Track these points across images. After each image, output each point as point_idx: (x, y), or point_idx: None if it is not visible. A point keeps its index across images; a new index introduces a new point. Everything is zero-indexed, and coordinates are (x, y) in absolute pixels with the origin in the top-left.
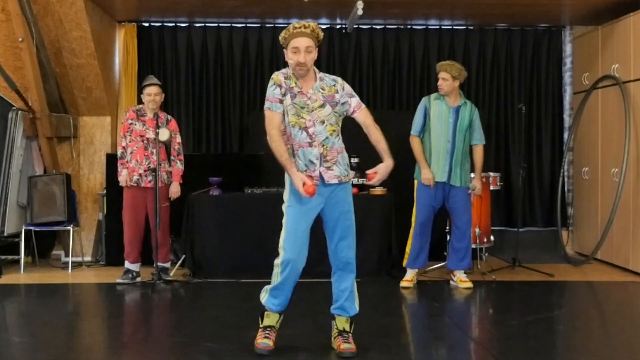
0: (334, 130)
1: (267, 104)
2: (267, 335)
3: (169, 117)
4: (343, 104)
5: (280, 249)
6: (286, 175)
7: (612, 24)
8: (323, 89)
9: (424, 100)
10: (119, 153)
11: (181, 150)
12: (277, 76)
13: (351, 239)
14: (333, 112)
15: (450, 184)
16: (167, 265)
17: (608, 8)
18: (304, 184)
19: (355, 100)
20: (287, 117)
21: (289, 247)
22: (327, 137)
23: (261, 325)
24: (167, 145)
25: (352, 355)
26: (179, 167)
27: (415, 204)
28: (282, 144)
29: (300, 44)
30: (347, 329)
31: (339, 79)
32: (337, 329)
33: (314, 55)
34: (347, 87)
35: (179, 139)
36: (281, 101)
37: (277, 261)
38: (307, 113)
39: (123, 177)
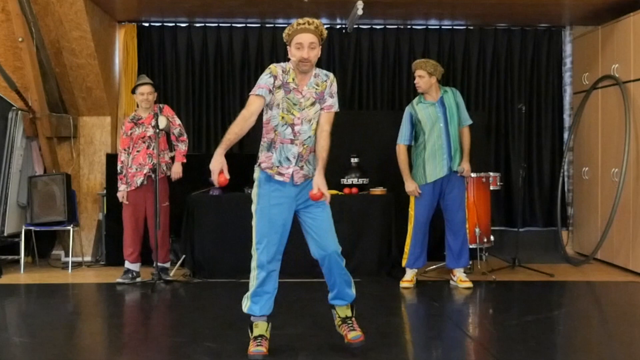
0: (314, 129)
1: (256, 90)
2: (259, 344)
3: (161, 105)
4: (323, 99)
5: (254, 252)
6: (256, 174)
7: (612, 24)
8: (317, 85)
9: (408, 108)
10: (118, 168)
11: (182, 131)
12: (275, 67)
13: (333, 232)
14: (320, 110)
15: (449, 174)
16: (167, 265)
17: (608, 8)
18: (221, 172)
19: (331, 101)
20: (273, 110)
21: (263, 250)
22: (309, 137)
23: (252, 336)
24: (167, 131)
25: (361, 344)
26: (181, 147)
27: (414, 204)
28: (243, 128)
29: (303, 39)
30: (350, 314)
31: (331, 75)
32: (339, 317)
33: (317, 51)
34: (334, 87)
35: (177, 121)
36: (271, 91)
37: (253, 264)
38: (298, 110)
39: (121, 194)
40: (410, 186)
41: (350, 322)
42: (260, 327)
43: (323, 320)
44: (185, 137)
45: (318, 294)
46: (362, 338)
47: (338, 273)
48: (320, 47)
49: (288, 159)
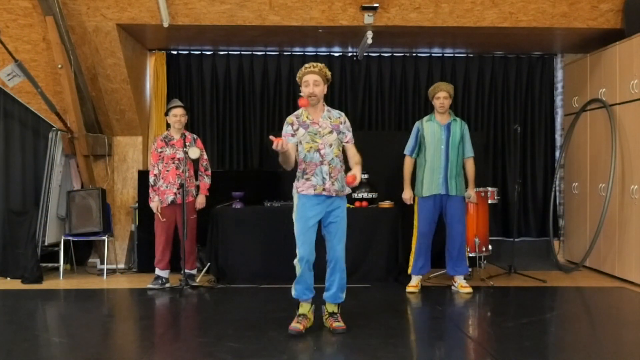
0: (338, 154)
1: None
2: (299, 321)
3: (195, 136)
4: (342, 133)
5: (297, 250)
6: (293, 191)
7: (600, 52)
8: (330, 118)
9: (417, 123)
10: (151, 180)
11: (208, 166)
12: (290, 117)
13: (343, 242)
14: (337, 138)
15: (448, 195)
16: (194, 272)
17: (596, 37)
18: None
19: (350, 135)
20: (302, 146)
21: (301, 247)
22: (332, 158)
23: (297, 313)
24: (196, 162)
25: (343, 331)
26: (206, 181)
27: (417, 216)
28: (285, 164)
29: (309, 79)
30: (336, 310)
31: (343, 115)
32: (327, 311)
33: (322, 87)
34: (348, 123)
35: (205, 156)
36: (293, 135)
37: (296, 260)
38: (319, 138)
39: (155, 204)
40: (405, 194)
41: (335, 316)
42: (304, 308)
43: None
44: (210, 171)
45: None
46: (344, 327)
47: (339, 277)
48: (326, 85)
49: (324, 177)
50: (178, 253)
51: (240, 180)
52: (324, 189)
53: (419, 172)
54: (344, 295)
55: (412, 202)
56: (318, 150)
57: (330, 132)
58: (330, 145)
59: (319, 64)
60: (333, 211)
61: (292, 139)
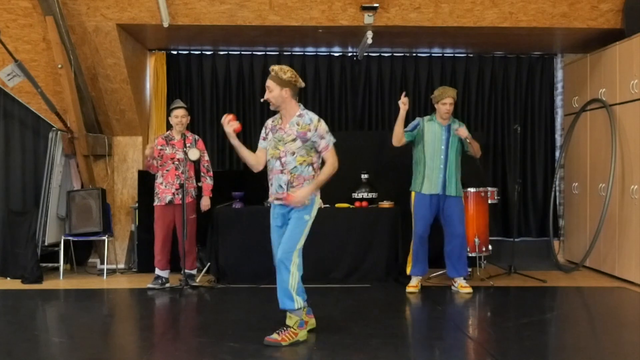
0: (304, 161)
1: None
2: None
3: (197, 137)
4: (314, 142)
5: None
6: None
7: (600, 52)
8: (298, 124)
9: (418, 118)
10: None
11: (210, 167)
12: (268, 120)
13: (289, 237)
14: (303, 146)
15: (445, 195)
16: (194, 272)
17: (596, 37)
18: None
19: (324, 142)
20: (269, 151)
21: (273, 250)
22: (295, 167)
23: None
24: (197, 163)
25: (273, 344)
26: (208, 182)
27: (414, 216)
28: (253, 167)
29: (266, 84)
30: (289, 323)
31: (315, 120)
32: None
33: (277, 92)
34: (320, 129)
35: (206, 157)
36: (264, 139)
37: None
38: (282, 145)
39: (149, 151)
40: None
41: (284, 328)
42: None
43: (336, 322)
44: (211, 172)
45: (330, 299)
46: (277, 340)
47: (279, 279)
48: (288, 88)
49: (280, 186)
50: (178, 253)
51: (240, 180)
52: (277, 199)
53: (418, 167)
54: (289, 303)
55: (406, 104)
56: (279, 158)
57: (294, 139)
58: (293, 154)
59: (275, 67)
60: (289, 216)
61: (263, 142)
